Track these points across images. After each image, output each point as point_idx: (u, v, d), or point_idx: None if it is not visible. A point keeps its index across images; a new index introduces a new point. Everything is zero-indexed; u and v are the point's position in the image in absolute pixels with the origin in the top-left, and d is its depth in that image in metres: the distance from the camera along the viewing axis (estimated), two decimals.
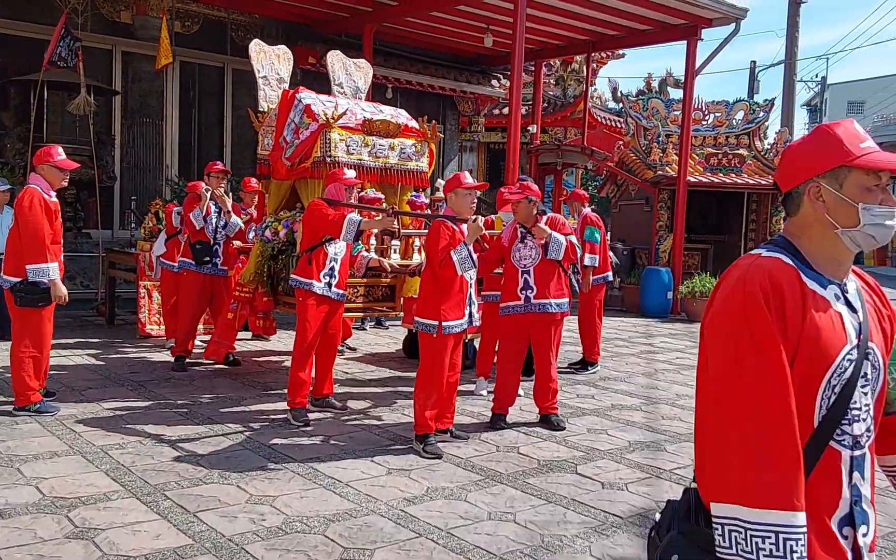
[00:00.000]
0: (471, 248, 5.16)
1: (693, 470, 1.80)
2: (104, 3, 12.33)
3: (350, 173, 5.99)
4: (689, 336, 10.84)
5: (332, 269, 5.85)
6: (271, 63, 7.65)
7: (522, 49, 10.38)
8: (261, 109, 7.48)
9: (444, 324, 5.10)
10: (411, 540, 3.83)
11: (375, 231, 6.57)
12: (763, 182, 14.37)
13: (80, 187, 11.46)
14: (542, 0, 11.43)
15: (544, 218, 5.96)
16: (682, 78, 13.65)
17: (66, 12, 10.23)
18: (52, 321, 5.92)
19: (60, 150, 5.85)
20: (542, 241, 5.80)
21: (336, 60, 8.19)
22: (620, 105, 16.78)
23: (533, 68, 15.42)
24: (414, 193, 7.49)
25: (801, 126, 54.32)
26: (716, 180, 14.26)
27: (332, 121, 6.48)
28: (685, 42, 12.95)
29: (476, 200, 5.47)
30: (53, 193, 5.70)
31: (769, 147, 15.37)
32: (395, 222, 5.98)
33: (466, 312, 5.26)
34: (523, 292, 5.85)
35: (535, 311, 5.85)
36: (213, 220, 7.47)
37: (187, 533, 3.80)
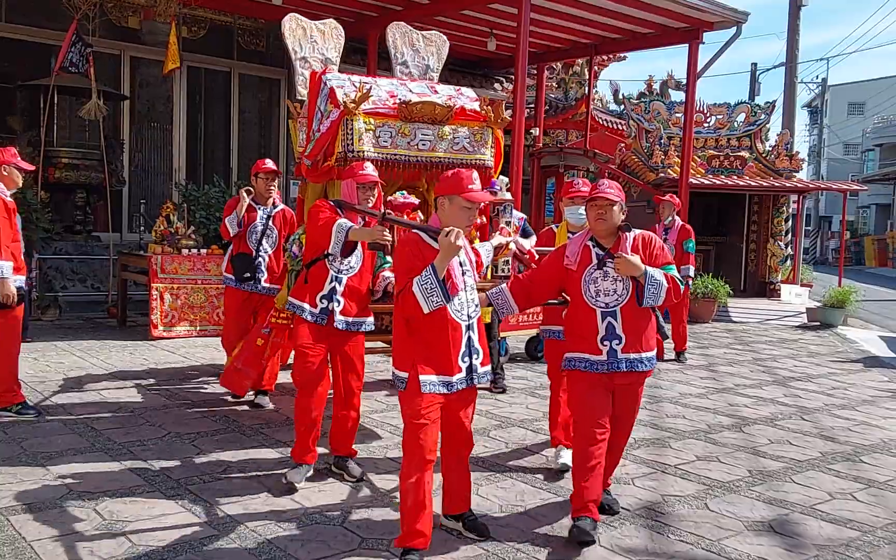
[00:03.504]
0: (443, 274, 3.52)
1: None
2: (112, 8, 12.51)
3: (369, 167, 4.66)
4: (692, 337, 10.97)
5: (332, 290, 4.58)
6: (313, 42, 6.32)
7: (526, 53, 10.52)
8: (299, 98, 6.16)
9: (421, 378, 3.60)
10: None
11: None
12: (765, 184, 14.51)
13: (89, 191, 11.65)
14: (545, 4, 11.58)
15: (629, 237, 4.03)
16: (683, 80, 13.80)
17: (76, 18, 10.39)
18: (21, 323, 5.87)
19: (16, 150, 5.98)
20: (624, 275, 3.98)
21: (399, 34, 6.81)
22: (622, 107, 16.91)
23: (535, 71, 15.57)
24: None
25: (801, 128, 54.37)
26: (717, 182, 14.39)
27: (351, 105, 5.13)
28: (686, 45, 13.08)
29: (476, 215, 3.84)
30: (9, 193, 5.68)
31: (770, 149, 15.52)
32: (389, 234, 4.38)
33: (463, 365, 3.68)
34: (606, 343, 3.99)
35: (624, 370, 4.01)
36: (259, 229, 6.35)
37: (211, 524, 3.95)
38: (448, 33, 13.86)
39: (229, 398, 6.42)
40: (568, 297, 4.23)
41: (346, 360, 4.70)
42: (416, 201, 5.70)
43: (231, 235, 6.34)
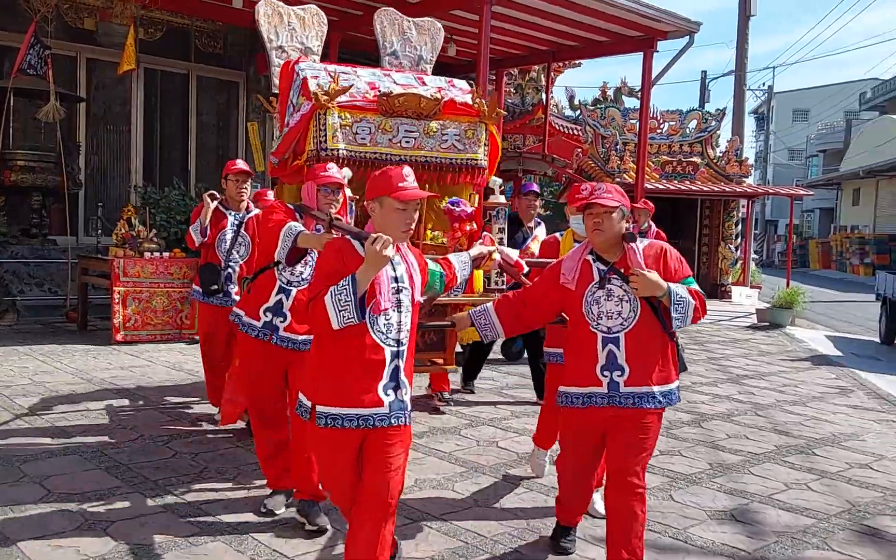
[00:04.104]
0: (365, 287, 2.96)
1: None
2: (68, 10, 12.34)
3: (332, 168, 4.10)
4: None
5: (279, 304, 4.13)
6: (291, 29, 5.74)
7: (487, 59, 10.69)
8: (274, 92, 5.62)
9: (319, 409, 3.04)
10: (408, 525, 4.10)
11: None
12: (716, 188, 14.95)
13: (45, 194, 11.50)
14: (505, 11, 11.77)
15: (638, 249, 3.43)
16: (636, 87, 14.16)
17: (35, 20, 10.26)
18: None
19: None
20: (644, 295, 3.39)
21: (387, 21, 6.18)
22: (577, 112, 17.24)
23: (494, 77, 15.77)
24: (451, 201, 4.98)
25: (748, 134, 55.69)
26: (671, 187, 14.77)
27: (324, 98, 4.61)
28: (641, 53, 13.40)
29: (415, 219, 3.19)
30: None
31: (721, 155, 15.98)
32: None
33: (386, 398, 3.04)
34: (606, 374, 3.44)
35: (625, 406, 3.43)
36: (229, 237, 5.77)
37: (194, 523, 4.01)
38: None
39: (209, 409, 6.41)
40: (567, 317, 3.72)
41: (294, 383, 4.10)
42: (472, 210, 4.94)
43: (196, 244, 5.84)
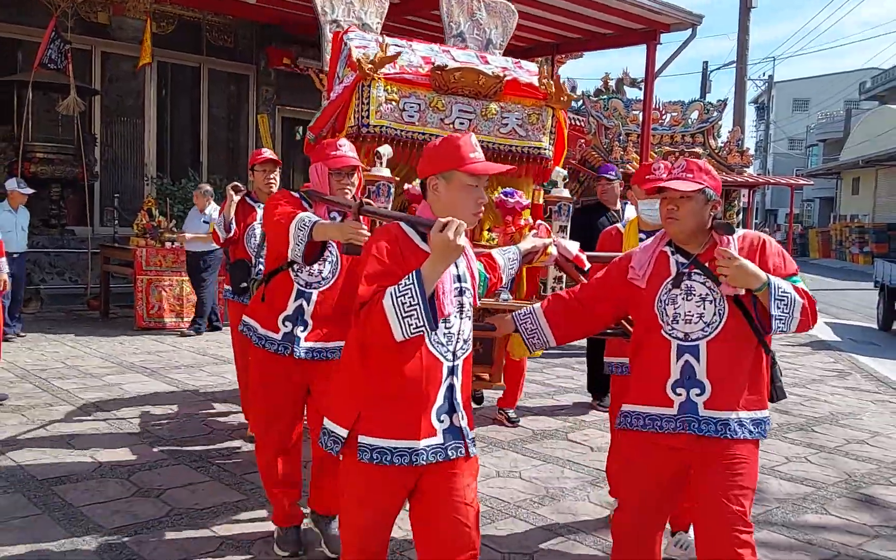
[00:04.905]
0: (433, 287, 2.41)
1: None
2: (82, 4, 12.62)
3: (345, 146, 3.50)
4: None
5: (299, 310, 3.53)
6: (348, 3, 5.28)
7: None
8: (325, 69, 5.09)
9: (361, 440, 2.50)
10: None
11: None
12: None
13: (63, 185, 11.79)
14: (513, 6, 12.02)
15: (733, 241, 2.76)
16: (637, 78, 14.42)
17: (56, 15, 10.54)
18: None
19: None
20: (735, 293, 2.72)
21: (454, 0, 5.57)
22: (580, 104, 17.49)
23: None
24: (504, 192, 4.18)
25: (749, 124, 55.90)
26: None
27: (368, 67, 3.99)
28: (644, 45, 13.69)
29: (486, 200, 2.67)
30: None
31: (723, 145, 16.24)
32: (366, 229, 3.19)
33: (440, 426, 2.52)
34: (679, 390, 2.74)
35: (705, 434, 2.70)
36: (258, 231, 5.23)
37: (240, 490, 4.33)
38: (419, 33, 14.37)
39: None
40: (630, 328, 3.18)
41: (319, 397, 3.55)
42: (527, 202, 4.25)
43: (222, 241, 5.41)
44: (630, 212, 5.22)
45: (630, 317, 3.06)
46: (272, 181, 5.39)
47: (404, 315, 2.35)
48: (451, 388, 2.54)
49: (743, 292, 2.67)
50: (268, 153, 5.44)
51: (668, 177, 2.85)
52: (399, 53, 4.16)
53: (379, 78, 4.04)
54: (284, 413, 3.61)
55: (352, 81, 4.10)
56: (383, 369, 2.47)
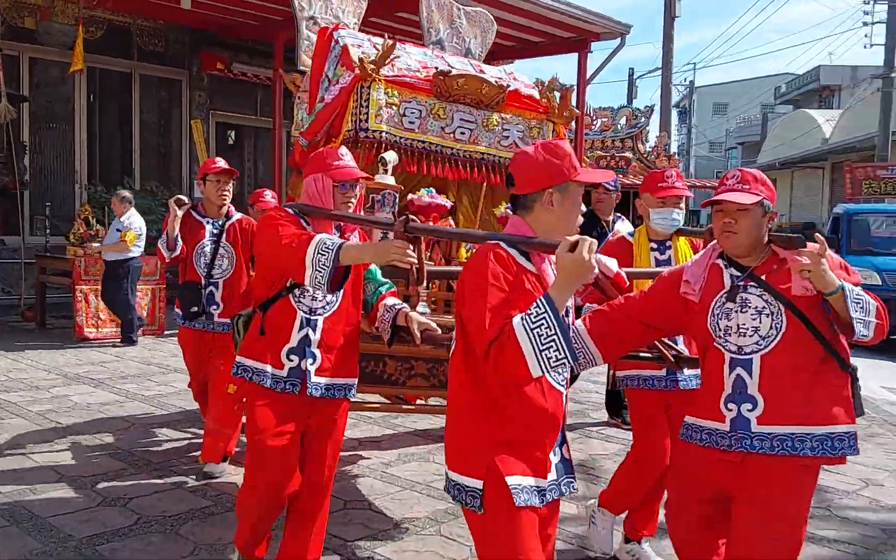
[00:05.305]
0: (562, 312, 2.19)
1: None
2: (8, 9, 12.32)
3: (346, 156, 3.14)
4: None
5: (305, 340, 3.10)
6: (325, 0, 5.03)
7: None
8: (300, 69, 4.86)
9: (512, 482, 2.27)
10: (399, 492, 4.57)
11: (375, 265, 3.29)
12: None
13: None
14: None
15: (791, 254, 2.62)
16: (566, 84, 14.85)
17: None
18: None
19: None
20: (805, 293, 2.60)
21: (436, 4, 5.44)
22: None
23: None
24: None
25: (672, 127, 57.56)
26: None
27: (370, 67, 3.80)
28: (576, 54, 14.10)
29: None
30: None
31: (650, 149, 16.85)
32: (415, 250, 2.85)
33: (554, 459, 2.40)
34: (731, 405, 2.65)
35: (759, 451, 2.58)
36: (208, 249, 4.85)
37: (205, 497, 4.40)
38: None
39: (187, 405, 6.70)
40: (668, 353, 3.05)
41: (321, 441, 3.18)
42: (448, 203, 4.17)
43: (167, 260, 4.87)
44: (620, 226, 5.15)
45: (665, 340, 3.01)
46: (226, 193, 4.91)
47: (542, 348, 2.11)
48: (563, 418, 2.43)
49: (813, 292, 2.54)
50: (222, 163, 4.94)
51: (723, 189, 2.67)
52: (398, 56, 3.96)
53: (380, 79, 3.86)
54: (292, 462, 3.10)
55: (349, 82, 3.88)
56: (516, 410, 2.29)
